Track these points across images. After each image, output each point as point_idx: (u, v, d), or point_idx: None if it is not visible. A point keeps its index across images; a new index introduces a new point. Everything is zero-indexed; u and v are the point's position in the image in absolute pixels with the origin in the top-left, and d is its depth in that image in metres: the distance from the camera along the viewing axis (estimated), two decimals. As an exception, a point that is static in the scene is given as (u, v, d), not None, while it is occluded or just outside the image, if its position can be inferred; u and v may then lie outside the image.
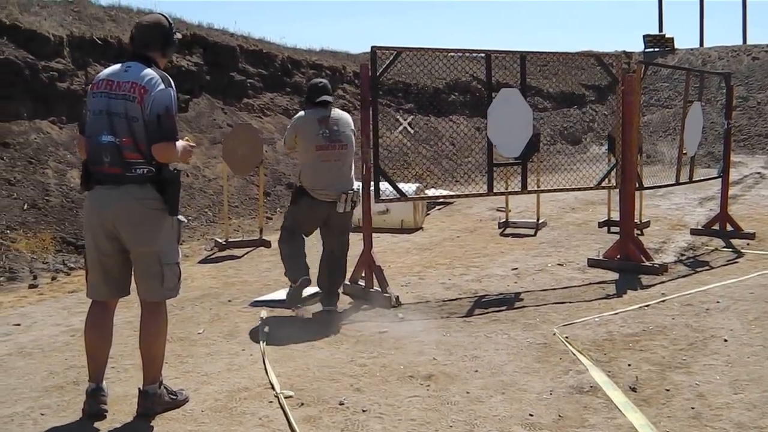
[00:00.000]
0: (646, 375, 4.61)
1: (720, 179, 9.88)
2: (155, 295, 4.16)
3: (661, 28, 34.86)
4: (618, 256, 7.94)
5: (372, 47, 6.55)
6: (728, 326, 5.64)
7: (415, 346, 5.30)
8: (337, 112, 6.35)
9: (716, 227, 9.82)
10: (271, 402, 4.28)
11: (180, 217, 4.24)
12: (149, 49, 4.18)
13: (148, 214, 4.02)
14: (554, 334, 5.53)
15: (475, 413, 4.07)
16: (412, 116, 18.08)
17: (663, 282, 7.25)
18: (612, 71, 7.90)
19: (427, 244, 9.91)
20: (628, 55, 28.55)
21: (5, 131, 10.47)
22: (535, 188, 9.45)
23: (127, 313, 5.78)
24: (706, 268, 7.93)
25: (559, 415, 4.02)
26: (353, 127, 6.41)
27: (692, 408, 4.07)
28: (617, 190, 8.09)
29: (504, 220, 11.09)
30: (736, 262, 8.18)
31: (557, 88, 26.04)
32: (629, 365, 4.80)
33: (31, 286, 7.56)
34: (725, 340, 5.29)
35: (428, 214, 12.41)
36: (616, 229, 9.62)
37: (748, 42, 32.84)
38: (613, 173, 8.00)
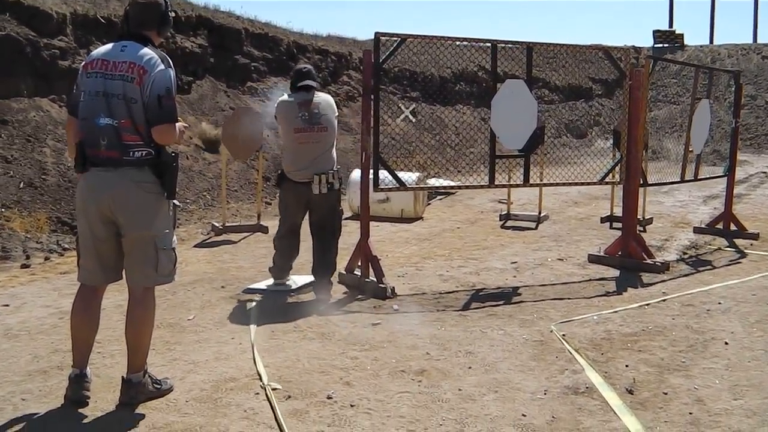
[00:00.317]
0: (643, 377, 4.49)
1: (725, 178, 9.76)
2: (148, 281, 4.06)
3: (671, 24, 34.68)
4: (619, 253, 7.81)
5: (376, 33, 6.43)
6: (729, 328, 5.52)
7: (408, 340, 5.19)
8: (320, 96, 6.33)
9: (720, 226, 9.69)
10: (257, 394, 4.17)
11: (174, 201, 4.14)
12: (145, 27, 4.06)
13: (146, 198, 3.93)
14: (551, 332, 5.41)
15: (467, 412, 3.96)
16: (415, 104, 17.93)
17: (664, 281, 7.13)
18: (620, 65, 7.77)
19: (427, 235, 9.79)
20: (637, 50, 28.36)
21: (4, 108, 10.37)
22: (538, 181, 9.33)
23: (118, 296, 5.65)
24: (709, 267, 7.81)
25: (553, 417, 3.91)
26: (335, 109, 6.42)
27: (690, 413, 3.96)
28: (621, 185, 7.96)
29: (505, 212, 10.98)
30: (739, 263, 8.05)
31: (565, 81, 25.92)
32: (627, 366, 4.67)
33: (24, 266, 7.47)
34: (726, 343, 5.17)
35: (429, 204, 12.31)
36: (619, 225, 9.51)
37: (759, 41, 32.66)
38: (617, 168, 7.87)
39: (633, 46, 28.76)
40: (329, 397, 4.12)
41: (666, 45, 31.02)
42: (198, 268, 7.59)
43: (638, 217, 8.75)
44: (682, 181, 9.15)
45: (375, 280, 6.54)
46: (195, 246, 8.84)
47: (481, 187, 7.43)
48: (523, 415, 3.92)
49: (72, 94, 4.11)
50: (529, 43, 7.23)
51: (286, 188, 6.34)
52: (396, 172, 6.84)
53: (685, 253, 8.61)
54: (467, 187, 7.38)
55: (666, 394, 4.23)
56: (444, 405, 4.05)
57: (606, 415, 3.93)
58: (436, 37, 6.93)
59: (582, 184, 7.88)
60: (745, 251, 8.62)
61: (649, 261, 7.61)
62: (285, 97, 6.34)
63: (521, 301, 6.39)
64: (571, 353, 4.90)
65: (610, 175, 7.96)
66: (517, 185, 7.56)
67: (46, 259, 7.84)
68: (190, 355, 4.84)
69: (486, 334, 5.38)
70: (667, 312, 6.00)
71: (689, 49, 30.86)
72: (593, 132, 25.46)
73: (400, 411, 3.96)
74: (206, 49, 15.08)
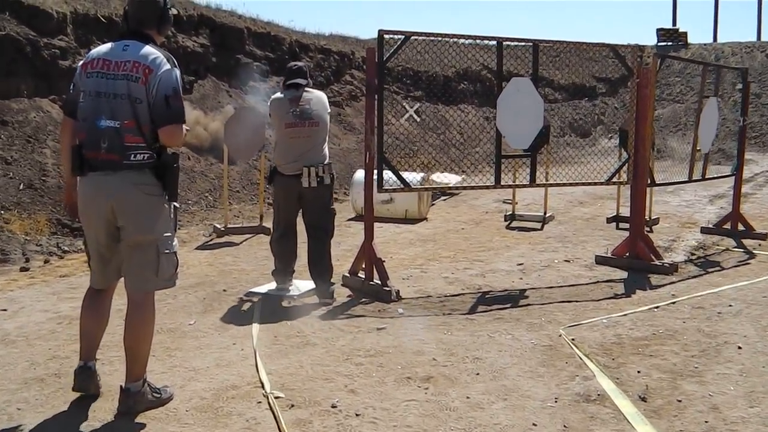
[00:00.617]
0: (656, 383, 4.37)
1: (731, 177, 9.64)
2: (148, 285, 3.97)
3: (674, 23, 34.52)
4: (627, 254, 7.69)
5: (379, 31, 6.31)
6: (741, 332, 5.40)
7: (414, 345, 5.07)
8: (312, 93, 6.36)
9: (728, 226, 9.57)
10: (260, 402, 4.05)
11: (175, 203, 4.05)
12: (144, 26, 3.99)
13: (147, 201, 3.84)
14: (560, 336, 5.29)
15: (475, 421, 3.84)
16: (419, 104, 17.80)
17: (673, 282, 7.01)
18: (627, 63, 7.65)
19: (431, 236, 9.67)
20: (640, 48, 28.09)
21: (4, 109, 10.28)
22: (544, 181, 9.21)
23: (118, 300, 5.48)
24: (717, 268, 7.69)
25: (564, 426, 3.79)
26: (328, 107, 6.45)
27: (705, 422, 3.84)
28: (627, 185, 7.84)
29: (510, 212, 10.86)
30: (748, 264, 7.93)
31: (569, 80, 25.78)
32: (639, 372, 4.55)
33: (23, 269, 7.36)
34: (739, 348, 5.04)
35: (433, 204, 12.19)
36: (625, 225, 9.40)
37: (763, 38, 32.51)
38: (623, 168, 7.75)
39: (637, 44, 28.56)
40: (333, 406, 4.00)
41: (670, 43, 30.82)
42: (200, 270, 7.48)
43: (645, 217, 8.62)
44: (690, 180, 9.02)
45: (379, 282, 6.42)
46: (197, 248, 8.73)
47: (487, 187, 7.30)
48: (534, 425, 3.80)
49: (69, 94, 4.01)
50: (535, 40, 7.10)
51: (277, 182, 6.37)
52: (400, 173, 6.74)
53: (693, 254, 8.49)
54: (473, 187, 7.23)
55: (680, 401, 4.11)
56: (452, 414, 3.93)
57: (620, 424, 3.81)
58: (440, 34, 6.78)
59: (589, 184, 7.75)
60: (754, 252, 8.50)
61: (657, 262, 7.48)
62: (277, 94, 6.42)
63: (528, 304, 6.26)
64: (581, 359, 4.79)
65: (617, 175, 7.83)
66: (524, 185, 7.43)
67: (46, 261, 7.74)
68: (191, 361, 4.72)
69: (493, 338, 5.26)
70: (678, 315, 5.88)
71: (693, 47, 30.68)
72: (597, 131, 25.33)
73: (407, 420, 3.84)
74: (208, 48, 14.98)
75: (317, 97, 6.34)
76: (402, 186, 6.74)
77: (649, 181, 7.80)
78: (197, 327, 5.51)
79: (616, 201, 10.68)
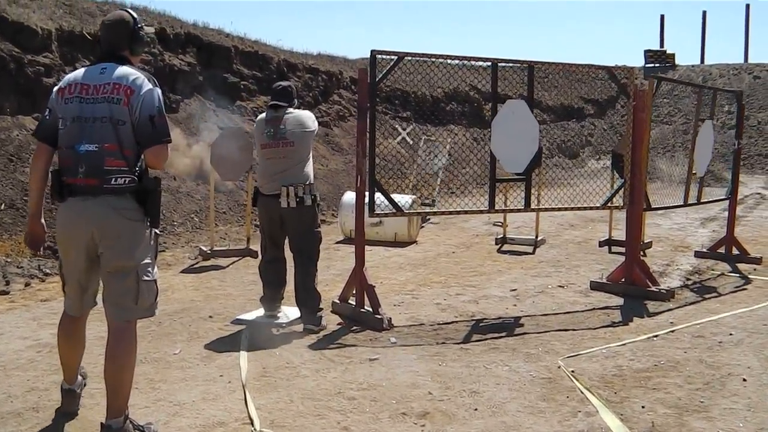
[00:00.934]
0: (662, 419, 4.19)
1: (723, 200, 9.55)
2: (126, 314, 3.79)
3: (662, 44, 34.63)
4: (623, 280, 7.53)
5: (372, 51, 6.15)
6: (745, 363, 5.24)
7: (408, 377, 4.88)
8: (292, 113, 6.19)
9: (722, 250, 9.45)
10: (248, 441, 3.86)
11: (156, 230, 3.87)
12: (117, 48, 3.91)
13: (129, 226, 3.69)
14: (559, 368, 5.11)
15: (475, 461, 3.65)
16: (412, 126, 17.69)
17: (671, 309, 6.85)
18: (621, 85, 7.53)
19: (422, 260, 9.50)
20: (629, 69, 28.24)
21: (-15, 127, 10.04)
22: (536, 204, 9.05)
23: (100, 327, 5.29)
24: (714, 294, 7.54)
25: (569, 467, 3.61)
26: (308, 125, 6.20)
27: (716, 462, 3.67)
28: (622, 209, 7.69)
29: (501, 235, 10.70)
30: (744, 289, 7.79)
31: (557, 101, 25.78)
32: (643, 407, 4.37)
33: (2, 293, 7.13)
34: (744, 380, 4.87)
35: (423, 227, 12.02)
36: (618, 249, 9.25)
37: (750, 60, 32.65)
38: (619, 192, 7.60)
39: (624, 65, 28.64)
40: (326, 445, 3.81)
41: (657, 65, 30.89)
42: (185, 295, 7.27)
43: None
44: (686, 204, 8.89)
45: (371, 309, 6.23)
46: (182, 271, 8.52)
47: (481, 212, 7.13)
48: (537, 466, 3.62)
49: (44, 120, 3.86)
50: (530, 62, 6.96)
51: (260, 203, 6.29)
52: (391, 195, 6.57)
53: (688, 279, 8.35)
54: (467, 212, 7.05)
55: (688, 439, 3.94)
56: (450, 453, 3.74)
57: (627, 465, 3.63)
58: (434, 55, 6.63)
59: (584, 209, 7.61)
60: (750, 277, 8.37)
61: (653, 288, 7.33)
62: (261, 115, 6.38)
63: (524, 333, 6.08)
64: (582, 392, 4.60)
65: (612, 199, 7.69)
66: (518, 210, 7.24)
67: (27, 285, 7.51)
68: (176, 394, 4.51)
69: (490, 370, 5.07)
70: (678, 345, 5.72)
71: (680, 69, 30.78)
72: (585, 152, 25.29)
73: (404, 461, 3.65)
74: (195, 67, 14.79)
75: (294, 117, 6.16)
76: (394, 210, 6.56)
77: (645, 206, 7.66)
78: (182, 356, 5.29)
79: (608, 224, 10.54)
